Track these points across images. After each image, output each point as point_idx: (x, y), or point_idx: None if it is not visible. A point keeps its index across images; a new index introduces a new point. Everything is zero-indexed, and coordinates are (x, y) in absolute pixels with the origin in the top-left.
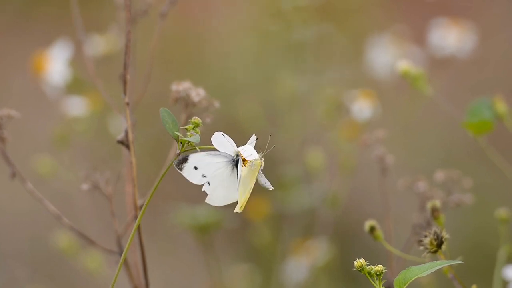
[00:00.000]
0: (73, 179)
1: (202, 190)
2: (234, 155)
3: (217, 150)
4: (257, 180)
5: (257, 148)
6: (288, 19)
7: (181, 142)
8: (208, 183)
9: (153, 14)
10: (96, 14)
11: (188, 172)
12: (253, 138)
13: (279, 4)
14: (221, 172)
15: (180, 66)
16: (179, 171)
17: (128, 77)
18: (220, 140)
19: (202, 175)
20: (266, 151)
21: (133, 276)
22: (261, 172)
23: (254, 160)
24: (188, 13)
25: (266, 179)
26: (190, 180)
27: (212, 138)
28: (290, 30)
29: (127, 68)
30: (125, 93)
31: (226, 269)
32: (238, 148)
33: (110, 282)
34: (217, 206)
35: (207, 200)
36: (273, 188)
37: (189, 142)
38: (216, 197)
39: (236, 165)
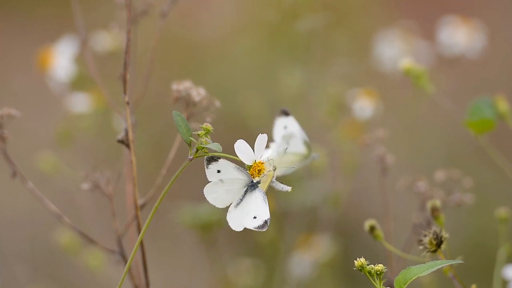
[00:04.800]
0: (74, 177)
1: (210, 182)
2: (251, 164)
3: (240, 164)
4: (273, 188)
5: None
6: (291, 15)
7: (196, 148)
8: (221, 180)
9: (154, 13)
10: (97, 13)
11: (211, 171)
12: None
13: (282, 1)
14: (236, 186)
15: (181, 65)
16: (205, 166)
17: (128, 76)
18: (242, 148)
19: (220, 179)
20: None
21: (133, 275)
22: (275, 181)
23: (267, 171)
24: (189, 12)
25: (280, 184)
26: (207, 176)
27: (235, 145)
28: (292, 26)
29: (127, 67)
30: (125, 92)
31: (229, 266)
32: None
33: (111, 281)
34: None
35: (209, 198)
36: (290, 188)
37: (203, 148)
38: (217, 198)
39: (250, 186)
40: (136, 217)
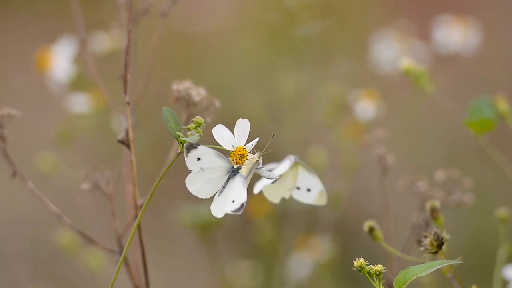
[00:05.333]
0: (74, 177)
1: (191, 172)
2: (232, 150)
3: (221, 152)
4: (261, 176)
5: (257, 147)
6: (291, 15)
7: (181, 142)
8: (202, 168)
9: (154, 13)
10: (97, 13)
11: (191, 159)
12: (255, 141)
13: (282, 1)
14: (218, 174)
15: (181, 65)
16: (185, 155)
17: (128, 76)
18: (221, 133)
19: (201, 168)
20: (264, 150)
21: (133, 275)
22: (262, 168)
23: (250, 157)
24: (189, 12)
25: (267, 171)
26: (188, 165)
27: (213, 129)
28: (293, 27)
29: (127, 67)
30: (125, 92)
31: (228, 267)
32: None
33: (111, 281)
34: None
35: (191, 189)
36: (278, 176)
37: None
38: (200, 188)
39: (232, 172)
40: (136, 217)
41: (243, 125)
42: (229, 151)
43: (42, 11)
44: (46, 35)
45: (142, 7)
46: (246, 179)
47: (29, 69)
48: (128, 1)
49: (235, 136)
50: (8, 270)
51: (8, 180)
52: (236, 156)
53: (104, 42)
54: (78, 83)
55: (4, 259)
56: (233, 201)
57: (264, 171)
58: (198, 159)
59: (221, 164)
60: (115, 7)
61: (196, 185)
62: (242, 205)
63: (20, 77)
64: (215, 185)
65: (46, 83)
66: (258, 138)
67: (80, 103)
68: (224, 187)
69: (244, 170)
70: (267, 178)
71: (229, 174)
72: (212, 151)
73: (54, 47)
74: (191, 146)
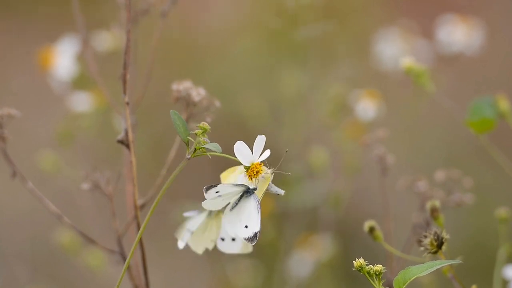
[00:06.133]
0: (74, 177)
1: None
2: (249, 166)
3: (234, 184)
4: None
5: (267, 163)
6: (291, 16)
7: (195, 148)
8: (219, 196)
9: (154, 13)
10: (97, 13)
11: (210, 194)
12: (266, 154)
13: (282, 1)
14: (232, 194)
15: (181, 65)
16: (205, 192)
17: (128, 76)
18: (242, 149)
19: (218, 196)
20: (277, 168)
21: (133, 276)
22: (272, 184)
23: (265, 173)
24: (189, 12)
25: (276, 187)
26: (206, 197)
27: (234, 146)
28: (293, 27)
29: (127, 67)
30: (125, 92)
31: (229, 266)
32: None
33: (111, 281)
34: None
35: (208, 208)
36: (284, 191)
37: (201, 148)
38: (218, 205)
39: (246, 192)
40: (136, 217)
41: (260, 142)
42: (245, 166)
43: (42, 11)
44: (46, 35)
45: (142, 7)
46: (259, 193)
47: (29, 69)
48: (128, 1)
49: (252, 152)
50: (8, 270)
51: (8, 180)
52: (252, 172)
53: (106, 41)
54: (80, 82)
55: (4, 259)
56: (246, 226)
57: (273, 187)
58: (217, 192)
59: (237, 190)
60: (115, 7)
61: (213, 206)
62: (256, 234)
63: (20, 77)
64: (229, 200)
65: (47, 82)
66: (269, 151)
67: (82, 102)
68: (236, 204)
69: (259, 193)
70: (276, 194)
71: (243, 192)
72: (229, 185)
73: (57, 46)
74: (211, 187)
